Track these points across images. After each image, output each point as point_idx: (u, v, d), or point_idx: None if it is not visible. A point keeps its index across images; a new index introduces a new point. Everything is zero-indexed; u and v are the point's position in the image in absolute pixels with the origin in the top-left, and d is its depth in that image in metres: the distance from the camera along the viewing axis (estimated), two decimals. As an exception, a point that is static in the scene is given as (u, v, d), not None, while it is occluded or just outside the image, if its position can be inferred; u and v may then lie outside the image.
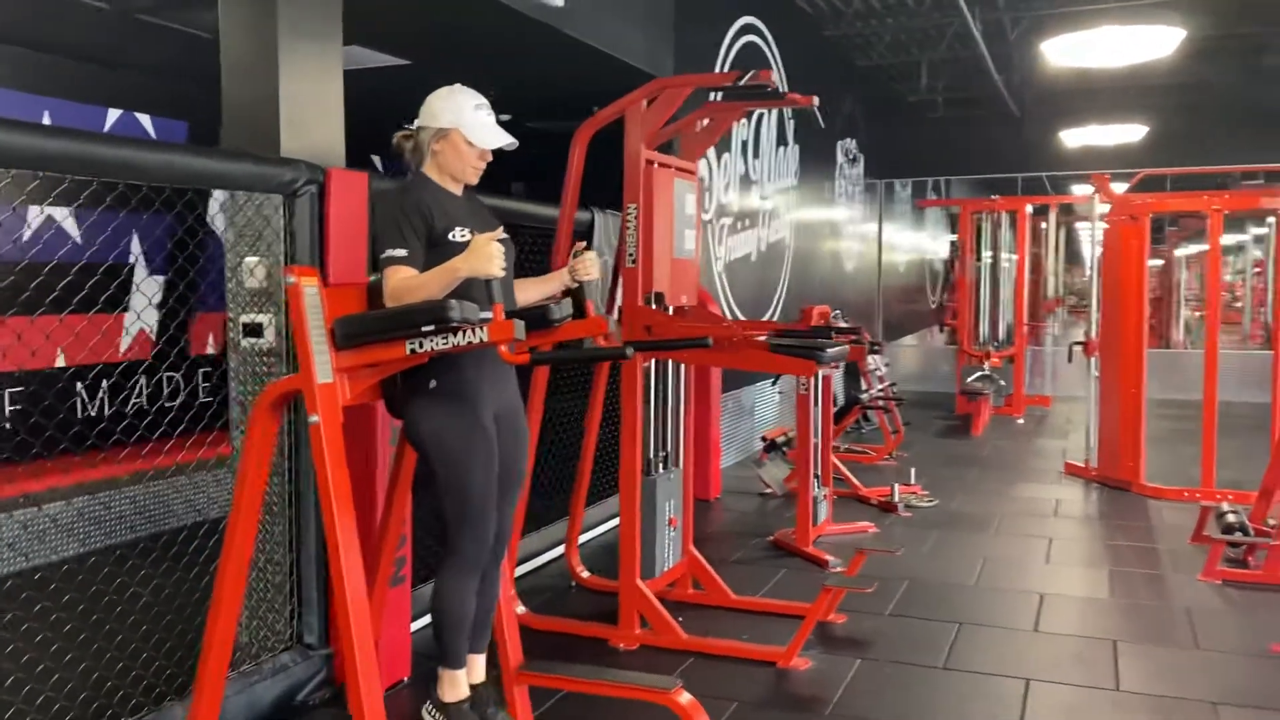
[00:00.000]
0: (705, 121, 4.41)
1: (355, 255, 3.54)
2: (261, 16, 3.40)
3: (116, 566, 4.03)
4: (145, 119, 5.95)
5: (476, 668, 3.02)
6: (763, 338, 4.01)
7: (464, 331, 2.36)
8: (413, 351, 2.42)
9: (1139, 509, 6.27)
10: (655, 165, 3.98)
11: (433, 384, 2.66)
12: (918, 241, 15.59)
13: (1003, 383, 10.14)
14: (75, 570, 4.20)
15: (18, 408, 4.82)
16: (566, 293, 3.01)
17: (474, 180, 2.86)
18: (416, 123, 2.82)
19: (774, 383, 8.41)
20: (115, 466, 4.86)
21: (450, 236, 2.68)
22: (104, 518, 5.15)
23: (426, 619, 4.12)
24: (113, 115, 5.75)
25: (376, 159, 8.00)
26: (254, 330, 3.49)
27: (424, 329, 2.38)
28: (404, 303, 2.52)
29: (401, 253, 2.58)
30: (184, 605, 3.73)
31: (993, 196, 11.25)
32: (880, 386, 8.13)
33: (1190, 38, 6.36)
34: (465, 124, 2.77)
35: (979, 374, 9.91)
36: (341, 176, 3.46)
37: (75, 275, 3.39)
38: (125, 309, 5.51)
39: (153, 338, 5.74)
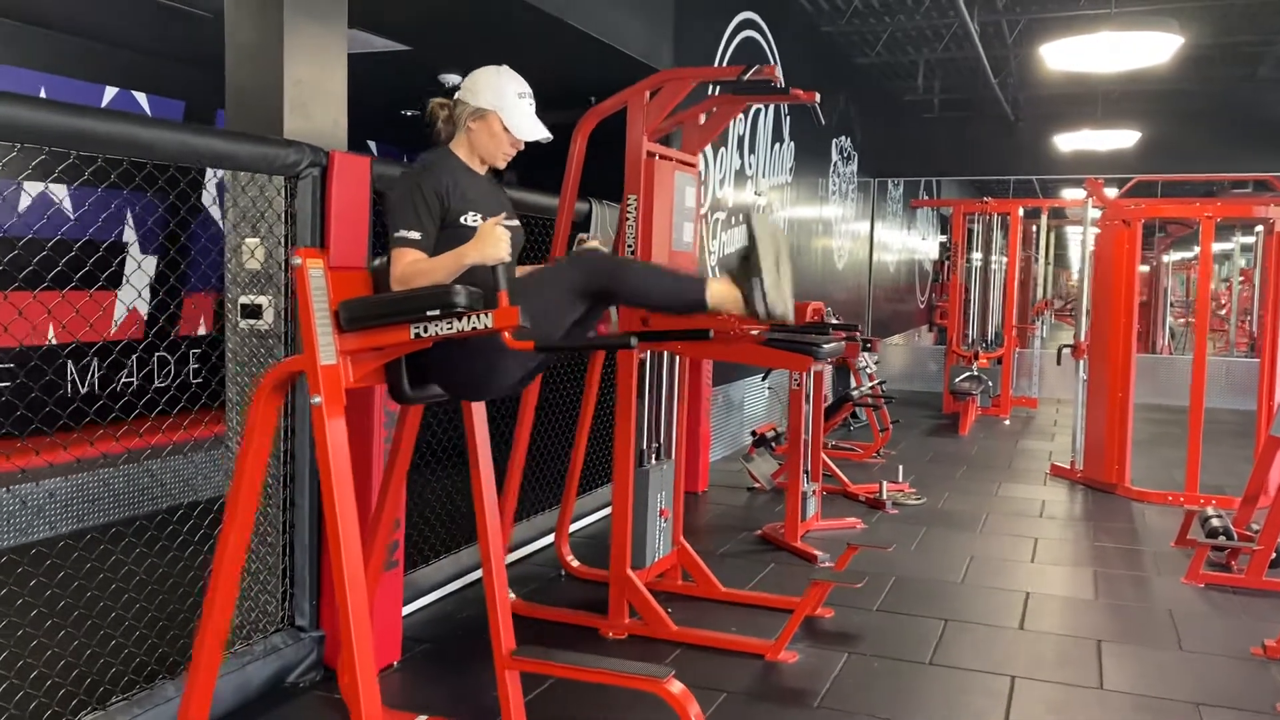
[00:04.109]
0: (705, 116, 4.42)
1: (356, 238, 3.54)
2: (268, -2, 3.41)
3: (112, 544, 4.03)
4: (142, 97, 5.93)
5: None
6: (756, 331, 4.04)
7: (468, 317, 2.37)
8: (417, 336, 2.43)
9: (1123, 511, 6.32)
10: (656, 157, 4.00)
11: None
12: (907, 241, 15.63)
13: (990, 383, 10.21)
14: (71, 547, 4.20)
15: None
16: None
17: (502, 165, 2.86)
18: (456, 95, 2.81)
19: (764, 378, 8.44)
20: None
21: (463, 220, 2.68)
22: (100, 495, 5.16)
23: (417, 603, 4.16)
24: (110, 92, 5.73)
25: (372, 144, 8.00)
26: (252, 311, 3.49)
27: (428, 313, 2.38)
28: (411, 286, 2.52)
29: (415, 236, 2.58)
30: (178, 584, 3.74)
31: (985, 199, 11.31)
32: (870, 384, 8.16)
33: (1187, 44, 6.40)
34: (506, 109, 2.76)
35: (967, 374, 9.97)
36: (344, 160, 3.47)
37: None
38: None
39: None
